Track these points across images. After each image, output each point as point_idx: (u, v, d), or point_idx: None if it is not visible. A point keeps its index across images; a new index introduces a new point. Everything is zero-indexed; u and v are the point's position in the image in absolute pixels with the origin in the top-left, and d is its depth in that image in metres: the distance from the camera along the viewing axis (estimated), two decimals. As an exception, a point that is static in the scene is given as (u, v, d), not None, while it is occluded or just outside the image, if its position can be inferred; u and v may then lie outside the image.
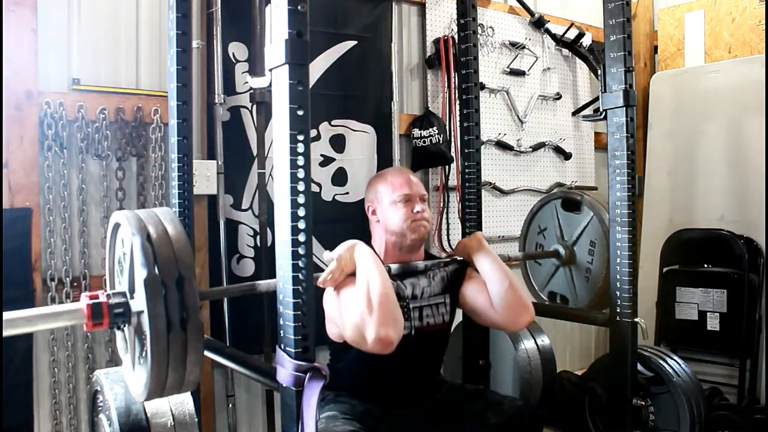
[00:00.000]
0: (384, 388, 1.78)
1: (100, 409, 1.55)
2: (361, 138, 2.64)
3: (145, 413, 1.44)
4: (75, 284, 2.04)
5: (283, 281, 1.29)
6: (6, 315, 1.13)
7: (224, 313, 2.28)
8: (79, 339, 2.08)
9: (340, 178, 2.59)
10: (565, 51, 3.30)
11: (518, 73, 3.15)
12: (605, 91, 1.96)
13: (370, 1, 2.67)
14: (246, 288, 1.62)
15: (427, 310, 1.84)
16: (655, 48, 3.66)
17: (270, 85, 1.32)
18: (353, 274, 1.59)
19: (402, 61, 2.81)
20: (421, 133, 2.73)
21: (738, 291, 2.91)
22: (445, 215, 2.83)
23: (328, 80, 2.54)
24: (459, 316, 2.40)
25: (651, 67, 3.68)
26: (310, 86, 1.31)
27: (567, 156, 3.34)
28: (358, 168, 2.62)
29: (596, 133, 3.53)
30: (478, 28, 2.66)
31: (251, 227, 2.37)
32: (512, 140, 3.13)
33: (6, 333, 1.13)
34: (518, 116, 3.17)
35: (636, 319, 1.95)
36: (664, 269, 3.15)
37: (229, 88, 2.31)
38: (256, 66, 2.27)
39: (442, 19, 2.89)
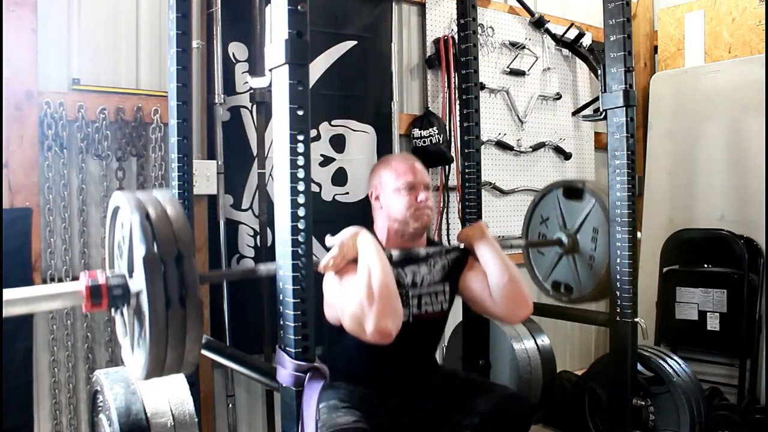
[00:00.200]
0: (380, 373, 1.78)
1: (100, 409, 1.55)
2: (361, 138, 2.64)
3: (145, 413, 1.43)
4: (75, 284, 2.04)
5: (283, 281, 1.29)
6: (5, 294, 1.13)
7: (224, 313, 2.28)
8: (79, 339, 2.08)
9: (340, 178, 2.59)
10: (565, 51, 3.30)
11: (518, 73, 3.15)
12: (605, 91, 1.96)
13: (370, 1, 2.67)
14: (246, 272, 1.62)
15: (426, 298, 1.83)
16: (655, 48, 3.66)
17: (270, 85, 1.33)
18: (355, 261, 1.58)
19: (402, 61, 2.81)
20: (421, 133, 2.73)
21: (738, 291, 2.91)
22: (445, 215, 2.83)
23: (328, 80, 2.54)
24: (458, 318, 2.41)
25: (651, 67, 3.68)
26: (310, 86, 1.31)
27: (567, 156, 3.34)
28: (358, 168, 2.62)
29: (596, 133, 3.53)
30: (478, 28, 2.66)
31: (251, 227, 2.37)
32: (512, 140, 3.13)
33: (6, 313, 1.12)
34: (518, 116, 3.17)
35: (636, 319, 1.95)
36: (664, 269, 3.15)
37: (229, 88, 2.31)
38: (256, 66, 2.27)
39: (442, 19, 2.89)
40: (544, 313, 2.35)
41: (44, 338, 2.02)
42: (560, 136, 3.34)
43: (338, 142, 2.59)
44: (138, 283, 1.16)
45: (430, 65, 2.86)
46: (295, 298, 1.26)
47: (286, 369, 1.28)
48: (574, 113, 3.34)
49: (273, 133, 1.33)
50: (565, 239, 2.29)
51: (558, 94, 3.33)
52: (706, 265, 3.05)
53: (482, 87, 2.88)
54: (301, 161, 1.27)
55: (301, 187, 1.27)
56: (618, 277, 1.96)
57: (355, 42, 2.62)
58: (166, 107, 1.98)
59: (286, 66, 1.25)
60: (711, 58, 3.36)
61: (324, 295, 1.67)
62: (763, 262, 2.91)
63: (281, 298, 1.30)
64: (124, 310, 1.25)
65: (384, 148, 2.69)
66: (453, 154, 2.77)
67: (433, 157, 2.72)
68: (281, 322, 1.30)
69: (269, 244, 2.31)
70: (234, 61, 2.33)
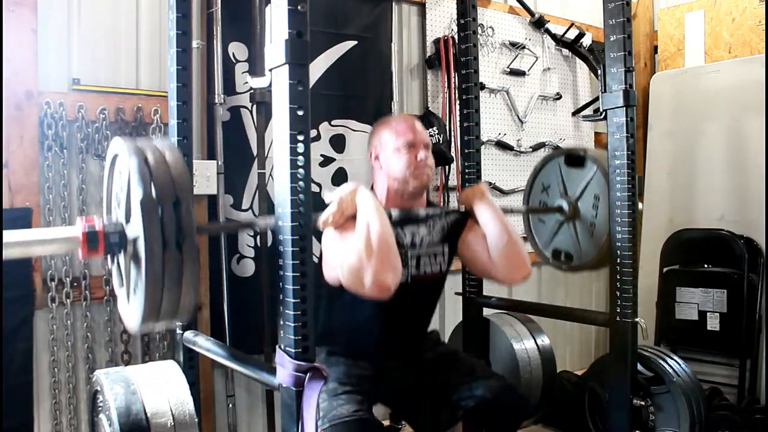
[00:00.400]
0: (377, 335, 1.78)
1: (100, 409, 1.55)
2: (361, 138, 2.64)
3: (145, 413, 1.43)
4: (75, 284, 2.04)
5: (283, 281, 1.29)
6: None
7: (224, 313, 2.28)
8: (79, 339, 2.08)
9: (340, 178, 2.59)
10: (565, 51, 3.30)
11: (518, 73, 3.15)
12: (605, 91, 1.95)
13: (370, 1, 2.67)
14: (243, 225, 1.58)
15: (425, 259, 1.83)
16: (655, 48, 3.66)
17: (270, 85, 1.32)
18: (353, 217, 1.57)
19: (402, 61, 2.81)
20: (421, 133, 2.72)
21: (738, 291, 2.91)
22: (445, 215, 2.83)
23: (328, 80, 2.54)
24: (458, 318, 2.41)
25: (651, 67, 3.68)
26: (310, 86, 1.31)
27: (567, 156, 3.34)
28: (358, 168, 2.62)
29: (596, 133, 3.53)
30: (478, 28, 2.66)
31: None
32: (512, 140, 3.13)
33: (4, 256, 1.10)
34: (518, 116, 3.17)
35: (636, 319, 1.95)
36: (664, 269, 3.15)
37: (229, 88, 2.31)
38: (256, 66, 2.27)
39: (442, 19, 2.89)
40: (544, 313, 2.35)
41: (44, 338, 2.01)
42: (560, 136, 3.34)
43: (338, 143, 2.59)
44: (135, 228, 1.14)
45: (430, 65, 2.86)
46: (295, 298, 1.26)
47: (286, 369, 1.28)
48: (574, 113, 3.35)
49: (273, 133, 1.33)
50: (566, 206, 2.25)
51: (558, 94, 3.33)
52: (706, 265, 3.05)
53: (482, 87, 2.88)
54: (301, 161, 1.26)
55: (301, 187, 1.27)
56: (618, 277, 1.96)
57: (355, 42, 2.62)
58: (166, 107, 1.97)
59: (286, 66, 1.25)
60: (711, 58, 3.36)
61: (323, 253, 1.66)
62: (763, 262, 2.91)
63: (281, 297, 1.30)
64: (121, 257, 1.23)
65: (384, 148, 2.69)
66: (453, 154, 2.77)
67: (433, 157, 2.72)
68: (281, 322, 1.30)
69: (269, 244, 2.31)
70: (234, 61, 2.33)
